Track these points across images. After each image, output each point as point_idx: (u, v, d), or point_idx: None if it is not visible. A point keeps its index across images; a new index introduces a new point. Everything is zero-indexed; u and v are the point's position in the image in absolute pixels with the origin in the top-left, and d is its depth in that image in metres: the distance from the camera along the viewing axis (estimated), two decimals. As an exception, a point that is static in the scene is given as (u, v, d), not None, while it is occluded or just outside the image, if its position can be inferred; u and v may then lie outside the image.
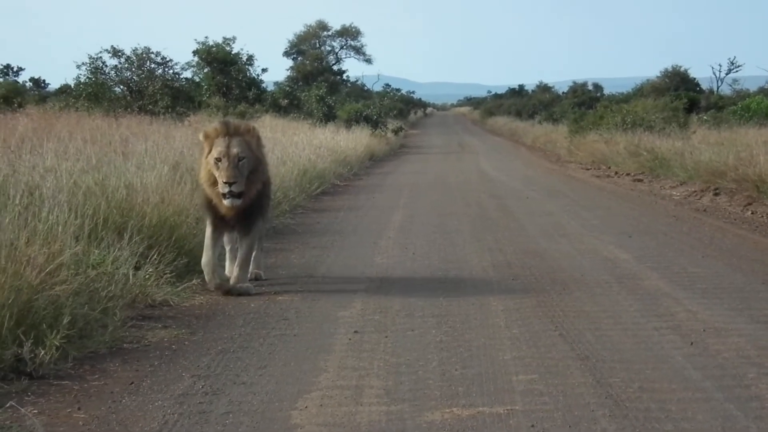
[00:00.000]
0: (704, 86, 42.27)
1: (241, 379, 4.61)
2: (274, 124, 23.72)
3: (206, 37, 30.99)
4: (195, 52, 30.68)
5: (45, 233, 5.54)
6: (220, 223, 6.64)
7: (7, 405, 4.01)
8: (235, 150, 6.40)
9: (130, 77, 23.68)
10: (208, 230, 6.70)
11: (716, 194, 13.63)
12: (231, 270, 6.94)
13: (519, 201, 13.55)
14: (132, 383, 4.53)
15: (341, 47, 58.14)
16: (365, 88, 59.10)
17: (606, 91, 51.80)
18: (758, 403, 4.20)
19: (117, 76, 23.75)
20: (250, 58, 31.73)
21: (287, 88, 36.80)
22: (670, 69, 40.83)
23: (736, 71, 43.66)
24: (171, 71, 24.40)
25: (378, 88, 62.12)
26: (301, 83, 45.87)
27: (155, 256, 6.54)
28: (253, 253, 6.98)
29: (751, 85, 39.68)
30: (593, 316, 5.96)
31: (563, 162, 23.63)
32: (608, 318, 5.90)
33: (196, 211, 7.66)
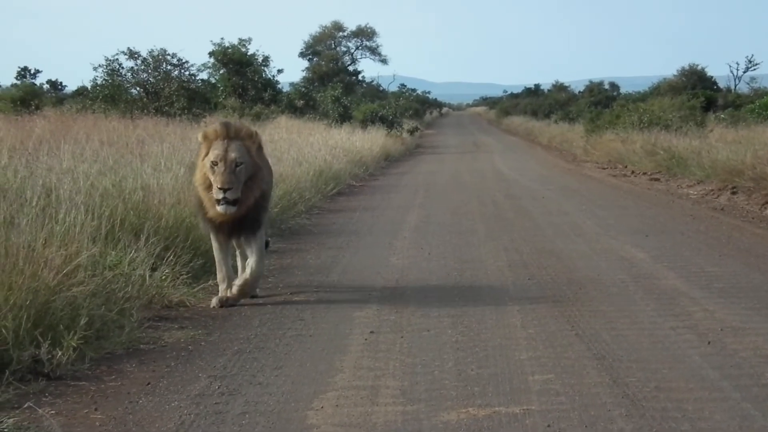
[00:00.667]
0: (721, 84, 42.00)
1: (257, 380, 4.62)
2: (289, 125, 23.79)
3: (222, 39, 31.22)
4: (211, 54, 30.84)
5: (62, 235, 5.58)
6: (217, 230, 6.31)
7: (25, 406, 4.04)
8: (233, 154, 6.06)
9: (146, 79, 23.82)
10: (214, 244, 6.44)
11: (734, 193, 13.53)
12: (242, 271, 6.66)
13: (535, 201, 13.51)
14: (149, 384, 4.56)
15: (357, 48, 58.19)
16: (381, 88, 59.14)
17: (622, 90, 51.58)
18: (777, 403, 4.17)
19: (133, 77, 23.90)
20: (266, 59, 31.88)
21: (303, 89, 36.90)
22: (687, 67, 40.58)
23: (754, 69, 43.36)
24: (187, 73, 24.54)
25: (393, 88, 62.14)
26: (316, 84, 45.97)
27: (171, 258, 6.58)
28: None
29: (768, 83, 39.40)
30: (609, 315, 5.93)
31: (579, 161, 23.53)
32: (624, 318, 5.87)
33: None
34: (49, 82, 49.84)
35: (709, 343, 5.21)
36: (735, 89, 42.04)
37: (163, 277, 6.30)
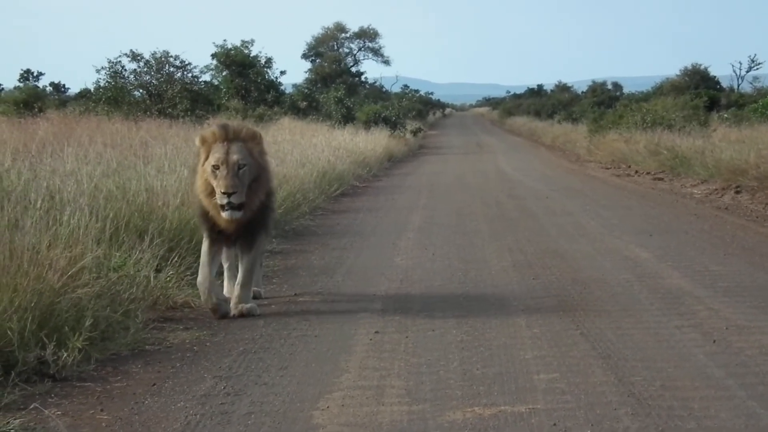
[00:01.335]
0: (724, 84, 41.97)
1: (262, 380, 4.62)
2: (293, 127, 23.79)
3: (225, 40, 31.21)
4: (214, 56, 30.87)
5: (67, 237, 5.60)
6: (218, 237, 6.03)
7: (31, 407, 4.05)
8: (235, 156, 5.75)
9: (149, 81, 23.86)
10: (205, 245, 6.10)
11: (737, 192, 13.50)
12: (230, 289, 6.40)
13: (539, 201, 13.50)
14: (154, 384, 4.56)
15: (359, 49, 58.21)
16: (384, 89, 59.12)
17: (625, 90, 51.54)
18: (783, 401, 4.16)
19: (136, 80, 23.94)
20: (269, 60, 31.90)
21: (306, 91, 36.94)
22: (690, 67, 40.57)
23: (757, 69, 43.31)
24: (190, 74, 24.57)
25: (396, 89, 62.12)
26: (319, 85, 46.01)
27: (176, 259, 6.58)
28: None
29: (771, 82, 39.36)
30: (614, 315, 5.93)
31: (583, 161, 23.52)
32: (629, 317, 5.87)
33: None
34: (52, 84, 49.98)
35: (714, 341, 5.21)
36: (738, 89, 41.99)
37: (168, 279, 6.30)
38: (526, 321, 5.80)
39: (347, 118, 29.98)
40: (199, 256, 6.87)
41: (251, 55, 31.20)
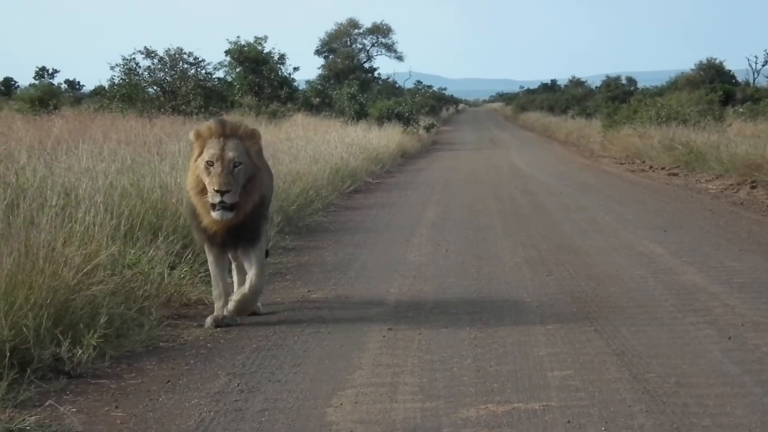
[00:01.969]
0: (740, 78, 41.63)
1: (276, 377, 4.63)
2: (306, 123, 23.82)
3: (238, 37, 31.24)
4: (227, 52, 30.91)
5: (82, 234, 5.63)
6: (211, 242, 5.65)
7: (47, 404, 4.07)
8: (230, 153, 5.40)
9: (163, 78, 23.95)
10: (209, 258, 5.76)
11: (753, 187, 13.41)
12: (238, 286, 5.98)
13: (552, 196, 13.45)
14: (168, 381, 4.58)
15: (372, 45, 58.13)
16: (397, 85, 59.05)
17: (640, 85, 51.27)
18: (799, 398, 4.13)
19: (150, 76, 24.05)
20: (282, 57, 31.90)
21: (319, 87, 36.94)
22: (705, 61, 40.27)
23: (773, 63, 42.93)
24: (203, 71, 24.66)
25: (410, 85, 62.09)
26: (332, 81, 45.99)
27: (190, 256, 6.60)
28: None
29: (788, 76, 39.05)
30: (628, 311, 5.90)
31: (596, 157, 23.42)
32: (644, 313, 5.84)
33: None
34: (67, 81, 50.27)
35: (729, 338, 5.17)
36: (754, 83, 41.67)
37: (182, 276, 6.32)
38: (540, 317, 5.78)
39: (360, 115, 29.97)
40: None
41: (264, 52, 31.21)
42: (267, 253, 6.20)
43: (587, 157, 23.49)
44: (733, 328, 5.39)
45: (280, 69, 31.75)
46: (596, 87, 56.52)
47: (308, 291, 6.80)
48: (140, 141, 11.54)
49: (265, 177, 5.75)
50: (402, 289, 6.82)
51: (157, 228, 6.88)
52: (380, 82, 55.61)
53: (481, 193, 14.45)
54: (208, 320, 5.67)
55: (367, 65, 56.10)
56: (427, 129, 34.86)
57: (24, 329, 4.46)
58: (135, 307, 5.39)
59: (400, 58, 59.09)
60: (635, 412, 4.00)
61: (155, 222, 7.05)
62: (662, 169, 18.02)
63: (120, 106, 21.63)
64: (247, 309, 5.79)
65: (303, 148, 14.95)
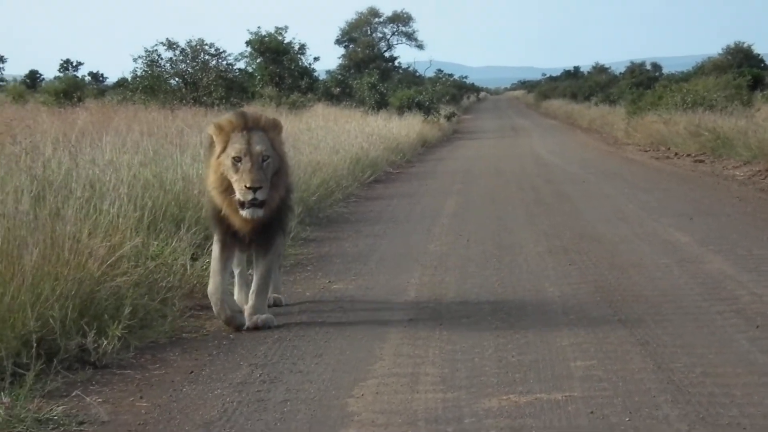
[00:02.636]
0: (769, 62, 41.05)
1: (297, 368, 4.65)
2: (326, 113, 23.81)
3: (259, 27, 31.27)
4: (248, 43, 30.97)
5: (106, 226, 5.66)
6: (232, 240, 5.39)
7: (73, 394, 4.12)
8: (258, 147, 5.13)
9: (184, 69, 24.03)
10: (216, 250, 5.45)
11: (782, 173, 13.24)
12: (240, 298, 5.80)
13: (575, 185, 13.37)
14: (192, 372, 4.61)
15: (393, 33, 57.92)
16: (417, 74, 58.84)
17: (665, 71, 50.69)
18: (827, 388, 4.08)
19: (172, 68, 24.14)
20: (302, 47, 31.90)
21: (339, 77, 36.90)
22: (732, 45, 39.71)
23: (802, 46, 42.28)
24: (224, 62, 24.71)
25: (430, 73, 61.82)
26: (352, 71, 45.90)
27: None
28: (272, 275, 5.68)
29: (817, 60, 38.43)
30: (653, 300, 5.85)
31: (620, 144, 23.23)
32: (669, 302, 5.79)
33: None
34: (90, 74, 50.65)
35: (757, 327, 5.11)
36: (783, 67, 41.04)
37: (204, 267, 6.33)
38: (562, 307, 5.75)
39: (380, 104, 29.90)
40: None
41: (285, 42, 31.22)
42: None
43: (611, 145, 23.31)
44: (760, 317, 5.33)
45: (301, 59, 31.76)
46: (620, 73, 55.97)
47: (329, 282, 6.80)
48: (162, 132, 11.58)
49: (289, 168, 5.60)
50: (423, 279, 6.81)
51: (179, 219, 6.92)
52: (401, 72, 55.43)
53: (502, 181, 14.38)
54: (222, 317, 5.37)
55: (387, 54, 55.93)
56: (448, 118, 34.73)
57: (50, 320, 4.50)
58: (158, 298, 5.43)
59: (420, 46, 58.87)
60: (660, 402, 3.96)
61: (178, 213, 7.09)
62: (688, 155, 17.83)
63: (142, 97, 21.73)
64: (262, 305, 5.48)
65: (323, 139, 14.94)
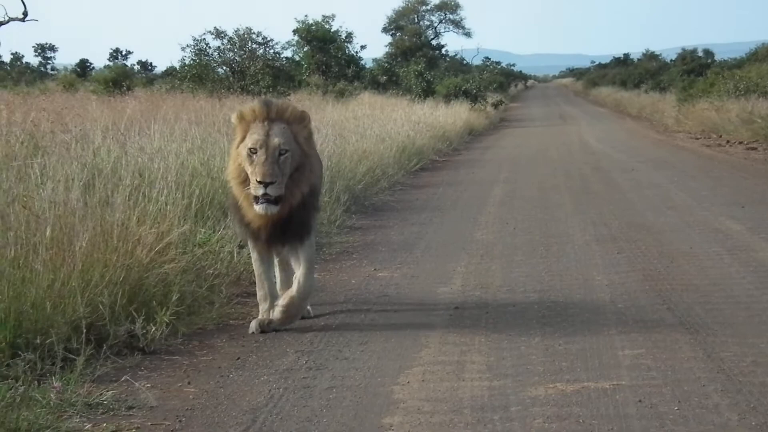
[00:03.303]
0: (826, 47, 39.86)
1: (343, 355, 4.66)
2: (372, 101, 23.81)
3: (306, 16, 31.43)
4: (295, 31, 31.13)
5: (155, 213, 5.74)
6: (252, 236, 5.13)
7: (122, 379, 4.19)
8: (276, 140, 4.82)
9: (232, 58, 24.25)
10: (254, 254, 5.26)
11: (838, 161, 12.88)
12: (281, 285, 5.49)
13: (624, 173, 13.17)
14: (239, 358, 4.65)
15: (440, 21, 57.59)
16: (464, 62, 58.48)
17: (717, 57, 49.56)
18: None
19: (220, 57, 24.39)
20: (349, 35, 31.98)
21: (386, 65, 36.84)
22: (786, 31, 38.65)
23: None
24: (272, 51, 24.90)
25: (477, 61, 61.39)
26: (399, 59, 45.77)
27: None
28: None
29: None
30: (703, 289, 5.75)
31: (671, 132, 22.82)
32: (719, 291, 5.68)
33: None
34: (139, 62, 51.43)
35: (810, 318, 4.99)
36: (840, 52, 39.83)
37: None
38: (611, 296, 5.68)
39: (427, 92, 29.77)
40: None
41: (332, 30, 31.31)
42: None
43: (661, 133, 22.91)
44: (814, 307, 5.20)
45: (347, 47, 31.85)
46: (671, 60, 54.88)
47: (374, 269, 6.81)
48: (210, 121, 11.69)
49: (315, 165, 5.16)
50: (469, 267, 6.78)
51: (226, 207, 6.97)
52: (447, 60, 55.11)
53: (550, 170, 14.23)
54: (253, 324, 5.14)
55: (434, 42, 55.65)
56: (495, 106, 34.47)
57: (100, 306, 4.58)
58: (206, 285, 5.50)
59: (468, 34, 58.44)
60: (710, 391, 3.89)
61: (225, 201, 7.15)
62: (740, 143, 17.45)
63: (190, 86, 21.97)
64: (296, 314, 5.20)
65: (369, 127, 14.95)
